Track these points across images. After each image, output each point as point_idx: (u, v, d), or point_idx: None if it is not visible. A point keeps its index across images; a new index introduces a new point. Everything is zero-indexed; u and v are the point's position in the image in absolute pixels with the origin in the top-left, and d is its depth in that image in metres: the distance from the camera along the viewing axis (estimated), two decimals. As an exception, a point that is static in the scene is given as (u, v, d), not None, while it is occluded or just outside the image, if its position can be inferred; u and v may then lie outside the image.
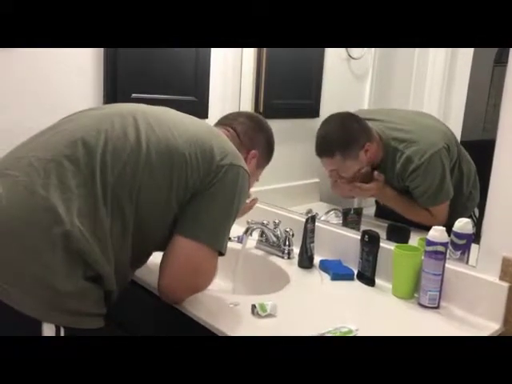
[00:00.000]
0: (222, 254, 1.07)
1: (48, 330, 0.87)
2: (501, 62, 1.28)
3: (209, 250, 1.04)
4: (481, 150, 1.35)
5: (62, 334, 0.88)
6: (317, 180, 1.84)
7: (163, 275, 1.05)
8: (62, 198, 0.91)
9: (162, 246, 1.06)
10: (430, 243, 1.17)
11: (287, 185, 1.84)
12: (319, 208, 1.71)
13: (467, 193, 1.45)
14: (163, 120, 1.07)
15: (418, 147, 1.41)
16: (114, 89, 1.55)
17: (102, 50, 1.54)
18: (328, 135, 1.53)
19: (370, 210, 1.65)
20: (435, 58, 1.55)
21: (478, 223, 1.33)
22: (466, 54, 1.43)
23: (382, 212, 1.60)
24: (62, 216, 0.90)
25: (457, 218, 1.37)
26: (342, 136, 1.51)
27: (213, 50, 1.75)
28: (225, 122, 1.32)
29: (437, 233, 1.16)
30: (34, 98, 1.44)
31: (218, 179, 1.03)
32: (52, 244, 0.89)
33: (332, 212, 1.66)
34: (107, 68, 1.54)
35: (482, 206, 1.35)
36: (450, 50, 1.50)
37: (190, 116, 1.16)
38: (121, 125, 1.02)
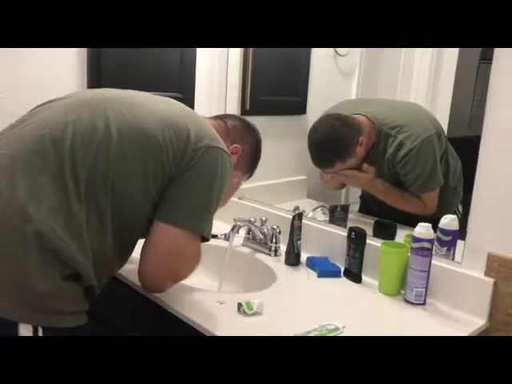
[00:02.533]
0: (205, 239, 1.04)
1: (25, 331, 0.85)
2: (486, 58, 1.30)
3: (189, 234, 1.01)
4: (466, 146, 1.36)
5: (41, 334, 0.87)
6: (304, 177, 1.84)
7: (143, 262, 1.03)
8: (31, 197, 0.89)
9: (140, 237, 1.05)
10: (416, 240, 1.17)
11: (274, 182, 1.83)
12: (306, 205, 1.72)
13: (453, 187, 1.46)
14: (135, 104, 1.03)
15: (410, 132, 1.40)
16: (98, 84, 1.53)
17: (84, 50, 1.52)
18: (322, 151, 1.51)
19: (356, 206, 1.65)
20: (422, 55, 1.55)
21: (462, 219, 1.34)
22: (451, 51, 1.44)
23: (365, 208, 1.61)
24: (33, 215, 0.88)
25: (442, 213, 1.38)
26: (337, 146, 1.48)
27: (198, 53, 1.75)
28: (216, 116, 1.29)
29: (423, 229, 1.16)
30: (14, 93, 1.42)
31: (195, 162, 1.00)
32: (24, 244, 0.87)
33: (319, 209, 1.66)
34: (90, 63, 1.53)
35: (465, 203, 1.36)
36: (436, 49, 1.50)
37: (166, 98, 1.12)
38: (88, 114, 0.99)
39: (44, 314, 0.87)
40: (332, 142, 1.48)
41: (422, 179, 1.42)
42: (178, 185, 1.00)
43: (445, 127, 1.43)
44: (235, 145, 1.23)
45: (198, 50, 1.74)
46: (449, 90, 1.45)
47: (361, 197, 1.68)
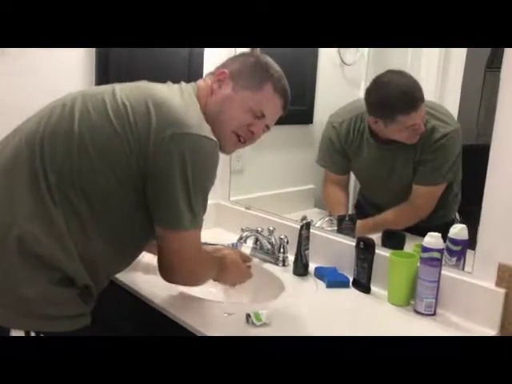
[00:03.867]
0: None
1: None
2: (492, 67, 1.33)
3: (175, 232, 0.99)
4: (474, 154, 1.36)
5: None
6: (312, 186, 1.83)
7: (158, 267, 1.05)
8: (10, 203, 0.91)
9: (144, 232, 1.04)
10: (425, 250, 1.16)
11: (282, 191, 1.83)
12: (314, 214, 1.70)
13: (455, 192, 1.45)
14: (105, 100, 0.99)
15: (441, 120, 1.39)
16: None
17: (93, 50, 1.52)
18: (412, 88, 1.38)
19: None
20: (428, 64, 1.56)
21: None
22: (458, 60, 1.44)
23: (362, 217, 1.57)
24: (12, 221, 0.89)
25: (442, 217, 1.43)
26: (418, 85, 1.39)
27: (206, 53, 1.72)
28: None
29: (432, 239, 1.15)
30: (20, 100, 1.40)
31: (160, 156, 0.94)
32: (7, 250, 0.88)
33: (327, 218, 1.64)
34: (98, 67, 1.52)
35: (463, 212, 1.43)
36: (442, 55, 1.51)
37: (145, 85, 1.05)
38: (58, 115, 0.99)
39: (35, 319, 0.88)
40: (415, 81, 1.39)
41: (445, 169, 1.40)
42: (153, 182, 0.96)
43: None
44: (217, 72, 1.11)
45: (205, 56, 1.72)
46: (456, 100, 1.45)
47: (356, 205, 1.68)
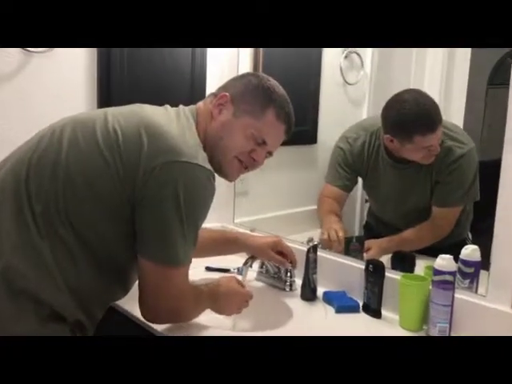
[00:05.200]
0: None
1: None
2: (493, 83, 1.36)
3: (163, 267, 0.94)
4: (480, 171, 1.35)
5: None
6: (316, 207, 1.78)
7: (139, 303, 0.99)
8: None
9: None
10: (437, 272, 1.12)
11: (287, 212, 1.81)
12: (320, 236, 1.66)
13: (467, 211, 1.43)
14: (95, 128, 0.95)
15: (457, 141, 1.36)
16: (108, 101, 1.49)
17: (94, 60, 1.51)
18: (431, 109, 1.35)
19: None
20: (431, 82, 1.55)
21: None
22: (461, 78, 1.44)
23: (372, 235, 1.55)
24: None
25: (455, 236, 1.39)
26: (437, 107, 1.36)
27: (207, 68, 1.72)
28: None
29: (444, 261, 1.12)
30: (19, 110, 1.40)
31: (150, 186, 0.89)
32: None
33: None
34: (100, 84, 1.51)
35: (474, 229, 1.42)
36: (444, 73, 1.51)
37: (140, 110, 1.01)
38: (47, 143, 0.96)
39: None
40: (434, 103, 1.35)
41: (463, 190, 1.37)
42: (143, 213, 0.92)
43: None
44: (219, 95, 1.07)
45: (208, 68, 1.72)
46: (460, 117, 1.44)
47: (364, 226, 1.64)
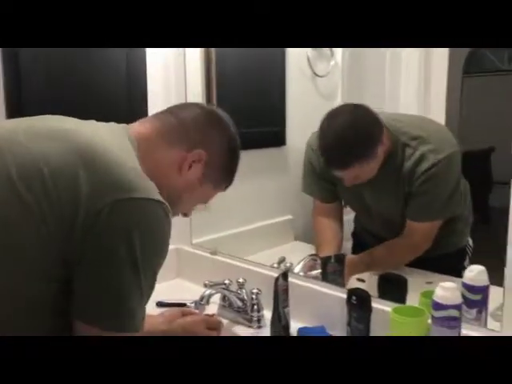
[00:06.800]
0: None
1: None
2: (469, 72, 1.36)
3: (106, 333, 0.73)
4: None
5: None
6: (290, 217, 1.68)
7: None
8: None
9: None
10: (438, 307, 0.89)
11: (255, 226, 1.64)
12: (294, 250, 1.55)
13: (465, 217, 1.30)
14: (6, 160, 0.74)
15: (432, 146, 1.18)
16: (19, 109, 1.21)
17: None
18: (346, 146, 1.16)
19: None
20: (408, 73, 1.50)
21: (473, 253, 1.29)
22: (439, 69, 1.38)
23: (359, 247, 1.40)
24: None
25: (455, 244, 1.30)
26: (360, 140, 1.16)
27: (150, 71, 1.48)
28: (162, 112, 0.93)
29: (447, 292, 0.89)
30: None
31: (96, 233, 0.71)
32: None
33: (309, 259, 1.38)
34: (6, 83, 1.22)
35: (475, 233, 1.32)
36: (422, 64, 1.46)
37: (67, 127, 0.80)
38: None
39: None
40: (354, 137, 1.16)
41: (440, 203, 1.20)
42: (85, 270, 0.71)
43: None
44: (196, 150, 0.88)
45: (149, 74, 1.47)
46: (441, 109, 1.37)
47: (352, 234, 1.48)
